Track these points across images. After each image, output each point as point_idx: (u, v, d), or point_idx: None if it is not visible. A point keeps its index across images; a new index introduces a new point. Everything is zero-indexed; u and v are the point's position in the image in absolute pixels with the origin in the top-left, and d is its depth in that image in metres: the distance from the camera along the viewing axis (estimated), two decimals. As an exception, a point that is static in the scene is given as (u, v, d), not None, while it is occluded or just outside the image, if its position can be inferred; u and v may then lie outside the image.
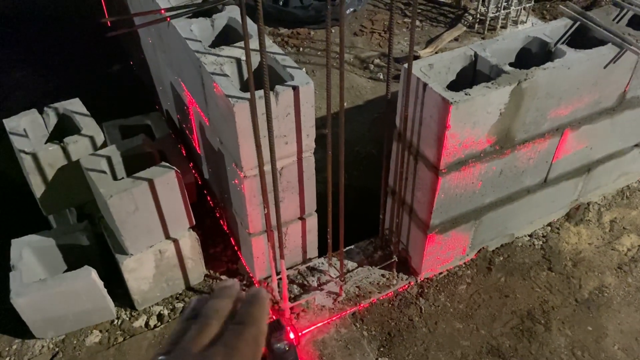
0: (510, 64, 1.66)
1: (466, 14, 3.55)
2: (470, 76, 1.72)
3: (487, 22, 3.38)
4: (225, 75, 1.61)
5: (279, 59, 1.67)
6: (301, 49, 3.49)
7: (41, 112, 1.86)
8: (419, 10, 3.72)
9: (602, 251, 2.14)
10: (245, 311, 0.49)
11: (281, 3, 3.80)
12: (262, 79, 1.42)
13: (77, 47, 3.20)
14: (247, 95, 1.49)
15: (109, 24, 3.40)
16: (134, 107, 2.61)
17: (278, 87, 1.54)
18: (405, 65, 1.58)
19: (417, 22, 3.60)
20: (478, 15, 3.47)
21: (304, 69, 3.26)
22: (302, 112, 1.61)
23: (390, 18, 1.42)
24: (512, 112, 1.61)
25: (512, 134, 1.68)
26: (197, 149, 2.21)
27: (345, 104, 2.82)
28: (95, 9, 3.39)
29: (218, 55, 1.69)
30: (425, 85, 1.56)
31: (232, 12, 1.91)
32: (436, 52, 3.28)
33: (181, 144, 2.40)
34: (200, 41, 1.75)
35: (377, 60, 3.29)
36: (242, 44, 1.73)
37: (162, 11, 1.91)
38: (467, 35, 3.43)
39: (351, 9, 3.69)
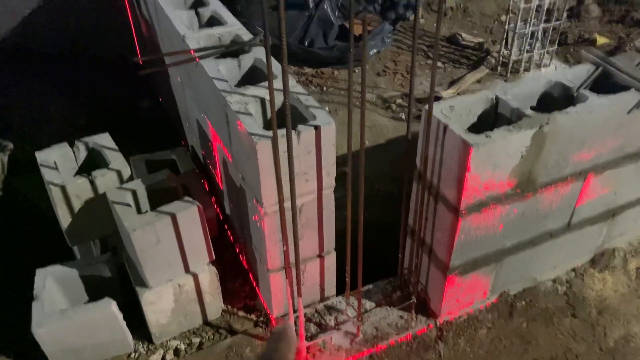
0: (532, 108, 1.67)
1: (489, 57, 3.59)
2: (492, 119, 1.73)
3: (510, 65, 3.40)
4: (249, 114, 1.65)
5: (302, 99, 1.71)
6: (325, 88, 3.56)
7: (72, 145, 1.92)
8: (442, 52, 3.77)
9: (627, 299, 2.08)
10: (272, 347, 0.51)
11: (306, 43, 3.91)
12: (285, 118, 1.45)
13: (110, 83, 3.32)
14: (270, 133, 1.52)
15: (141, 62, 3.53)
16: (160, 142, 2.68)
17: (300, 127, 1.58)
18: (426, 106, 1.60)
19: (440, 64, 3.65)
20: (501, 58, 3.50)
21: (326, 108, 3.32)
22: (323, 151, 1.64)
23: (412, 59, 1.45)
24: (534, 156, 1.61)
25: (534, 177, 1.67)
26: (220, 184, 2.25)
27: (366, 143, 2.84)
28: (129, 47, 3.53)
29: (243, 95, 1.74)
30: (445, 127, 1.57)
31: (258, 53, 1.97)
32: (458, 94, 3.31)
33: (204, 179, 2.45)
34: (226, 81, 1.81)
35: (399, 100, 3.33)
36: (266, 83, 1.79)
37: (192, 52, 1.99)
38: (490, 78, 3.45)
39: (375, 50, 3.77)
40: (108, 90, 3.19)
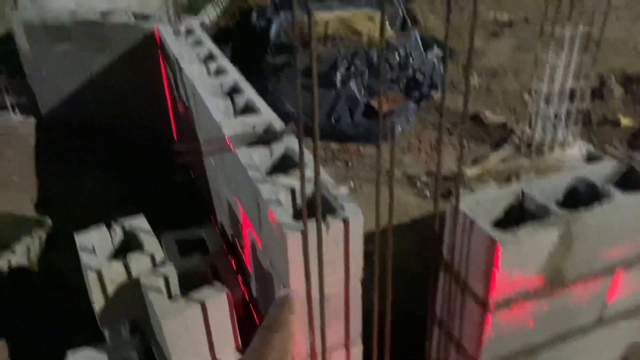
0: (559, 203, 1.69)
1: (513, 136, 3.65)
2: (518, 213, 1.75)
3: (534, 145, 3.45)
4: (280, 203, 1.71)
5: (331, 188, 1.77)
6: (350, 164, 3.65)
7: (109, 226, 2.00)
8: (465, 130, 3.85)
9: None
10: (273, 316, 0.49)
11: (333, 120, 4.05)
12: (315, 208, 1.50)
13: (145, 157, 3.47)
14: (300, 224, 1.57)
15: (177, 143, 3.69)
16: (191, 216, 2.75)
17: (329, 218, 1.62)
18: (452, 200, 1.64)
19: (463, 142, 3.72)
20: (525, 138, 3.55)
21: (352, 183, 3.38)
22: (351, 242, 1.67)
23: (438, 139, 1.50)
24: (562, 253, 1.61)
25: (563, 274, 1.66)
26: (248, 265, 2.29)
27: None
28: (164, 123, 3.71)
29: (274, 184, 1.80)
30: (472, 222, 1.60)
31: (290, 142, 2.06)
32: (482, 173, 3.35)
33: (232, 257, 2.49)
34: (258, 168, 1.88)
35: (424, 178, 3.38)
36: (297, 171, 1.87)
37: (227, 139, 2.09)
38: (514, 157, 3.49)
39: (399, 128, 3.87)
40: (143, 165, 3.34)
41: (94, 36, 3.63)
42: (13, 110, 3.69)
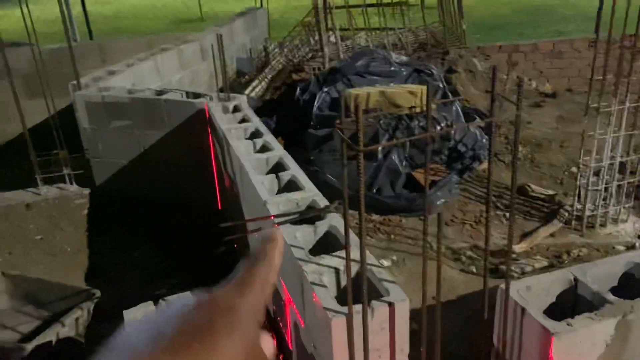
0: (613, 289, 1.62)
1: (561, 210, 3.55)
2: (571, 299, 1.68)
3: (585, 220, 3.34)
4: (324, 286, 1.70)
5: (376, 271, 1.76)
6: (392, 236, 3.61)
7: (156, 303, 2.04)
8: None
9: None
10: (259, 248, 0.48)
11: (374, 191, 4.06)
12: (360, 291, 1.49)
13: (190, 230, 3.57)
14: (345, 309, 1.55)
15: (223, 218, 3.79)
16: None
17: (374, 303, 1.60)
18: (502, 286, 1.60)
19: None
20: (574, 212, 3.45)
21: (394, 257, 3.34)
22: (396, 327, 1.63)
23: (486, 214, 1.48)
24: (619, 344, 1.52)
25: (623, 367, 1.56)
26: (289, 343, 2.26)
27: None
28: (210, 195, 3.82)
29: (319, 264, 1.81)
30: (523, 309, 1.54)
31: (333, 220, 2.08)
32: (531, 248, 3.25)
33: (273, 335, 2.46)
34: (303, 248, 1.90)
35: (469, 252, 3.31)
36: (341, 253, 1.87)
37: (272, 217, 2.13)
38: (564, 232, 3.38)
39: (442, 200, 3.84)
40: (188, 237, 3.42)
41: (149, 113, 3.85)
42: (70, 181, 3.90)
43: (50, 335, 2.44)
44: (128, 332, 0.41)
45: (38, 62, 3.79)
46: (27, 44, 4.07)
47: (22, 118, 3.68)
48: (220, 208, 3.88)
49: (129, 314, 1.95)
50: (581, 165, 3.25)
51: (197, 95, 3.88)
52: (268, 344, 0.49)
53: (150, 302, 2.01)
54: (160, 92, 3.98)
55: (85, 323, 2.66)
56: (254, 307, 0.45)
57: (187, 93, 3.95)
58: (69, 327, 2.53)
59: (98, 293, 2.64)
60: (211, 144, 3.69)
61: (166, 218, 3.71)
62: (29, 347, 2.36)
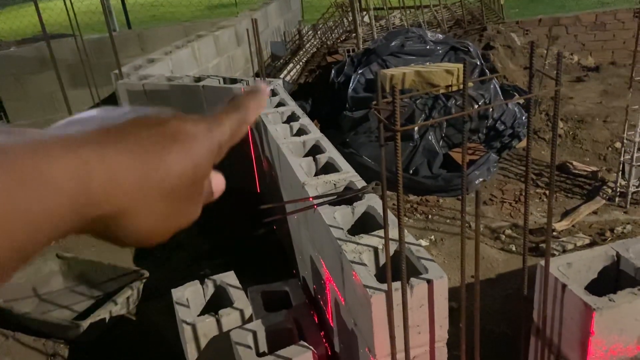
0: (659, 265, 1.59)
1: (604, 187, 3.47)
2: (614, 275, 1.67)
3: (630, 196, 3.26)
4: (363, 264, 1.74)
5: (414, 250, 1.79)
6: (429, 217, 3.61)
7: (202, 282, 2.13)
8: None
9: None
10: (240, 98, 0.49)
11: (411, 172, 4.06)
12: (399, 269, 1.53)
13: (232, 212, 3.67)
14: (384, 286, 1.59)
15: (262, 200, 3.87)
16: (273, 270, 2.84)
17: (413, 280, 1.63)
18: (542, 262, 1.60)
19: (550, 193, 3.59)
20: (618, 188, 3.37)
21: (432, 236, 3.35)
22: (435, 304, 1.66)
23: (525, 193, 1.48)
24: (666, 320, 1.51)
25: (668, 343, 1.55)
26: (330, 321, 2.32)
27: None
28: (249, 179, 3.90)
29: (357, 244, 1.85)
30: (564, 286, 1.55)
31: (371, 201, 2.11)
32: (573, 226, 3.20)
33: (314, 311, 2.53)
34: (342, 228, 1.94)
35: (508, 231, 3.28)
36: (380, 232, 1.90)
37: (310, 199, 2.18)
38: (607, 209, 3.31)
39: (480, 179, 3.81)
40: (230, 219, 3.53)
41: (189, 99, 3.95)
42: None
43: (104, 313, 2.58)
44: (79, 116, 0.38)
45: (82, 52, 3.92)
46: (70, 35, 4.22)
47: (68, 108, 3.84)
48: (259, 191, 3.96)
49: (177, 292, 2.04)
50: (625, 141, 3.16)
51: (233, 81, 3.94)
52: (218, 180, 0.48)
53: (197, 281, 2.10)
54: (198, 79, 4.07)
55: (136, 302, 2.80)
56: (213, 146, 0.43)
57: (224, 79, 4.02)
58: (121, 305, 2.66)
59: (147, 273, 2.76)
60: (249, 129, 3.76)
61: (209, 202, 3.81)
62: (85, 324, 2.51)
